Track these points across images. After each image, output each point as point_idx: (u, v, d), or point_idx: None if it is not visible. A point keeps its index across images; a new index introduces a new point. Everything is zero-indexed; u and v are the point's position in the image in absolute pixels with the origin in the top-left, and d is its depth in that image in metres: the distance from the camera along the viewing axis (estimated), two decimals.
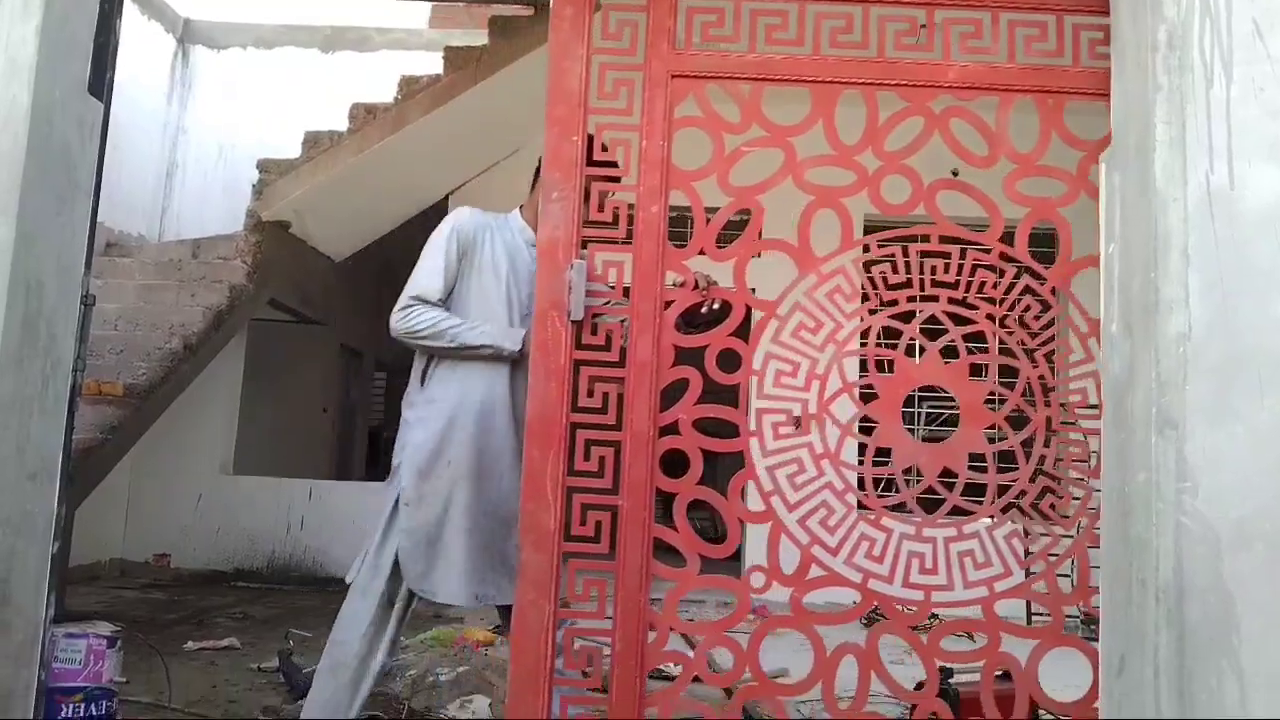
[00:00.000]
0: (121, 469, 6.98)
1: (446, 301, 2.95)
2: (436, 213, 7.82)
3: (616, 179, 2.54)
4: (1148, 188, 2.01)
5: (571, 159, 2.47)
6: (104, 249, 6.12)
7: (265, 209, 6.51)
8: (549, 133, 2.48)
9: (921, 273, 2.49)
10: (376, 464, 12.55)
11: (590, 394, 2.46)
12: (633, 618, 2.37)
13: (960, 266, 2.47)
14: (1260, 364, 1.89)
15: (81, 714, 3.08)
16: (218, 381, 7.52)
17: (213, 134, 8.04)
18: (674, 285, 2.53)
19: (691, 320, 2.66)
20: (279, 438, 9.01)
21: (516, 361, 2.90)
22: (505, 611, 2.89)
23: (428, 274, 2.94)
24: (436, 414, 2.90)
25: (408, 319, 2.91)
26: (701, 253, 2.50)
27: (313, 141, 6.65)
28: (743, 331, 2.48)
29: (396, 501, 2.90)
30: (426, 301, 2.91)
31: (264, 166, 6.64)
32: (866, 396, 2.49)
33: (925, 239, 2.48)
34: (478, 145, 7.68)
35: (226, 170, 7.90)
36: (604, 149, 2.52)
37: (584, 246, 2.48)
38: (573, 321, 2.43)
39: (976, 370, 2.48)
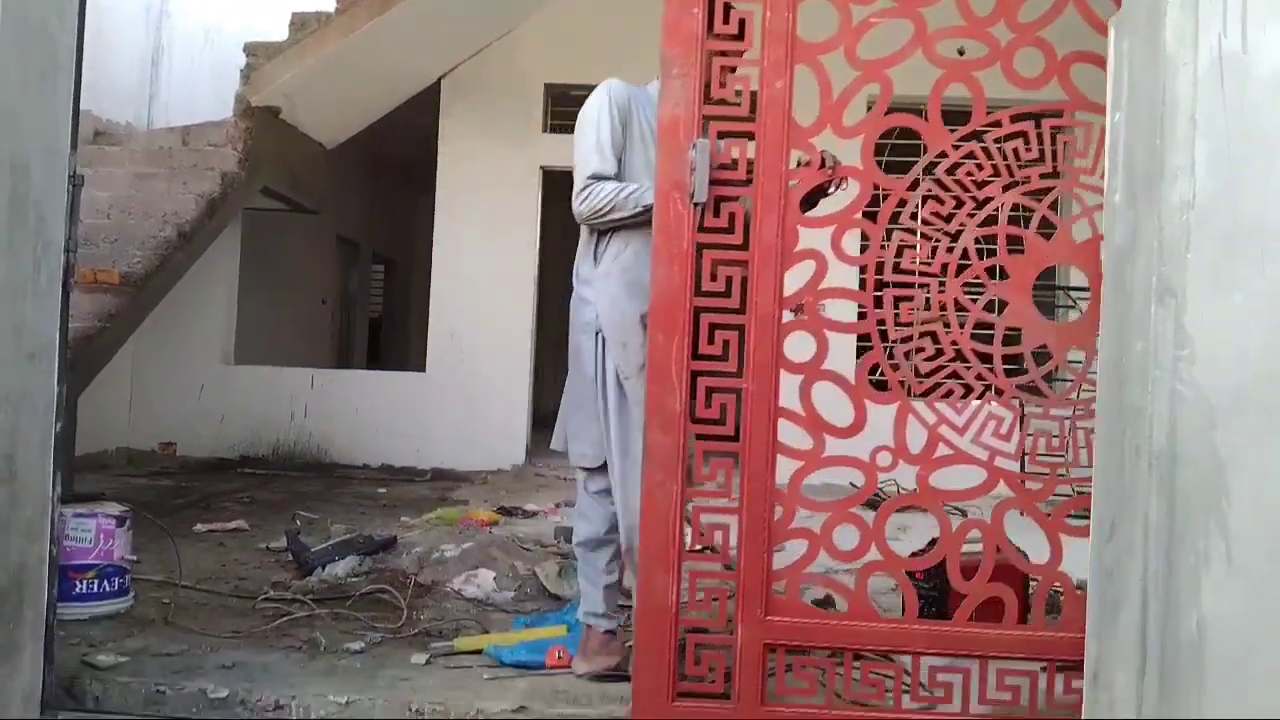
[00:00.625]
0: (123, 359, 7.01)
1: (618, 175, 2.85)
2: (429, 97, 7.68)
3: (739, 53, 2.46)
4: (1157, 53, 1.96)
5: (692, 33, 2.39)
6: (92, 137, 6.01)
7: (254, 94, 6.37)
8: (668, 5, 2.39)
9: (1054, 147, 2.43)
10: (378, 355, 12.62)
11: (714, 277, 2.44)
12: (759, 497, 2.41)
13: (1096, 143, 2.38)
14: (1263, 233, 1.86)
15: (95, 590, 3.17)
16: (215, 272, 7.50)
17: (198, 17, 7.80)
18: (799, 164, 2.48)
19: (814, 200, 2.62)
20: (279, 329, 9.04)
21: None
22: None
23: (595, 150, 2.84)
24: (616, 285, 2.83)
25: (589, 199, 2.82)
26: (829, 129, 2.44)
27: (300, 24, 6.47)
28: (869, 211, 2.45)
29: (617, 378, 2.82)
30: (603, 178, 2.82)
31: (251, 50, 6.48)
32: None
33: (1058, 114, 2.41)
34: (469, 26, 7.48)
35: (214, 54, 7.68)
36: (725, 22, 2.43)
37: (706, 125, 2.42)
38: (695, 204, 2.39)
39: None
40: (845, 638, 2.44)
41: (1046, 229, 2.44)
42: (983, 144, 2.45)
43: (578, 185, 2.85)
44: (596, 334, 2.86)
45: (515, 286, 7.66)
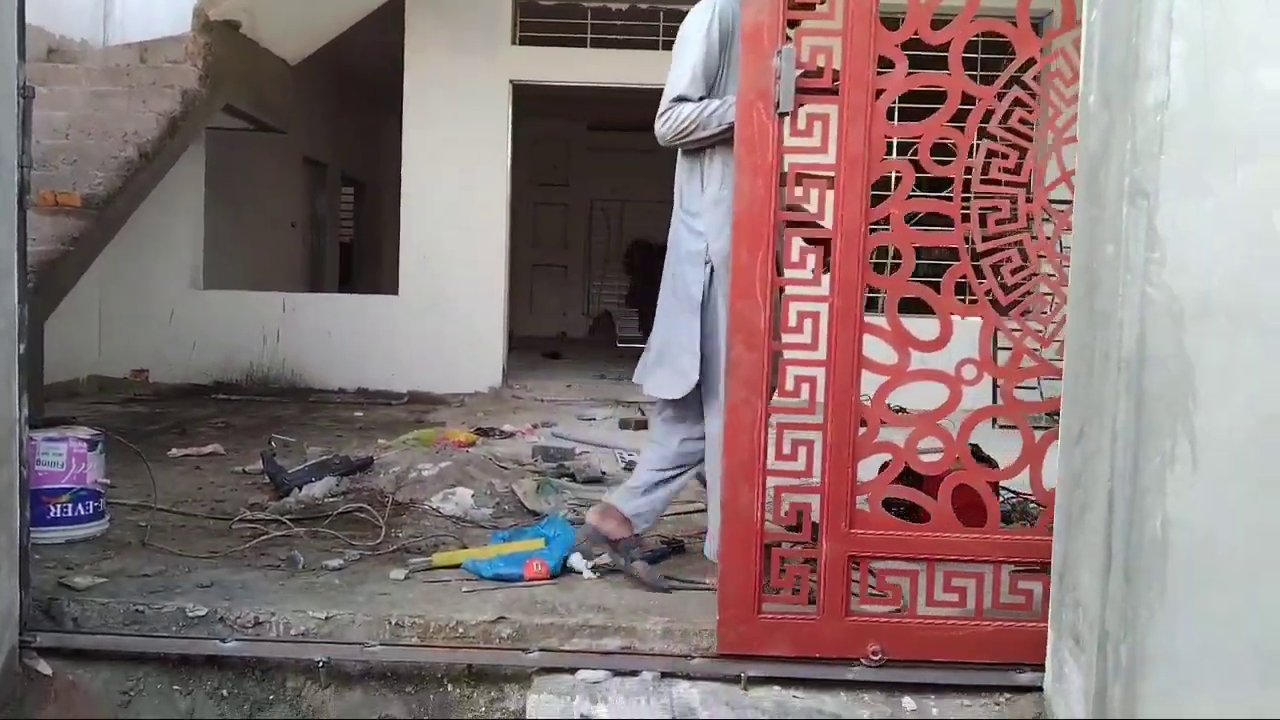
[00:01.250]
0: (90, 285, 6.90)
1: (709, 97, 2.80)
2: (394, 9, 7.46)
3: None
4: None
5: None
6: (45, 55, 5.80)
7: (212, 7, 6.15)
8: None
9: None
10: (350, 279, 12.50)
11: (799, 191, 2.39)
12: (844, 411, 2.41)
13: None
14: (1236, 135, 1.85)
15: (69, 514, 3.16)
16: (180, 195, 7.35)
17: None
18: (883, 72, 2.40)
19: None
20: (248, 252, 8.90)
21: None
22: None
23: (687, 72, 2.79)
24: (726, 212, 2.76)
25: (669, 122, 2.79)
26: (916, 35, 2.37)
27: None
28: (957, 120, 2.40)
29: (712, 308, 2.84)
30: (688, 100, 2.78)
31: None
32: None
33: None
34: None
35: None
36: None
37: (791, 30, 2.35)
38: (780, 114, 2.33)
39: None
40: (928, 549, 2.47)
41: None
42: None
43: (662, 106, 2.82)
44: (706, 263, 2.85)
45: (487, 205, 7.56)
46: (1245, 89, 1.84)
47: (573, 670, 2.49)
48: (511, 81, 7.53)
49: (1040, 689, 2.38)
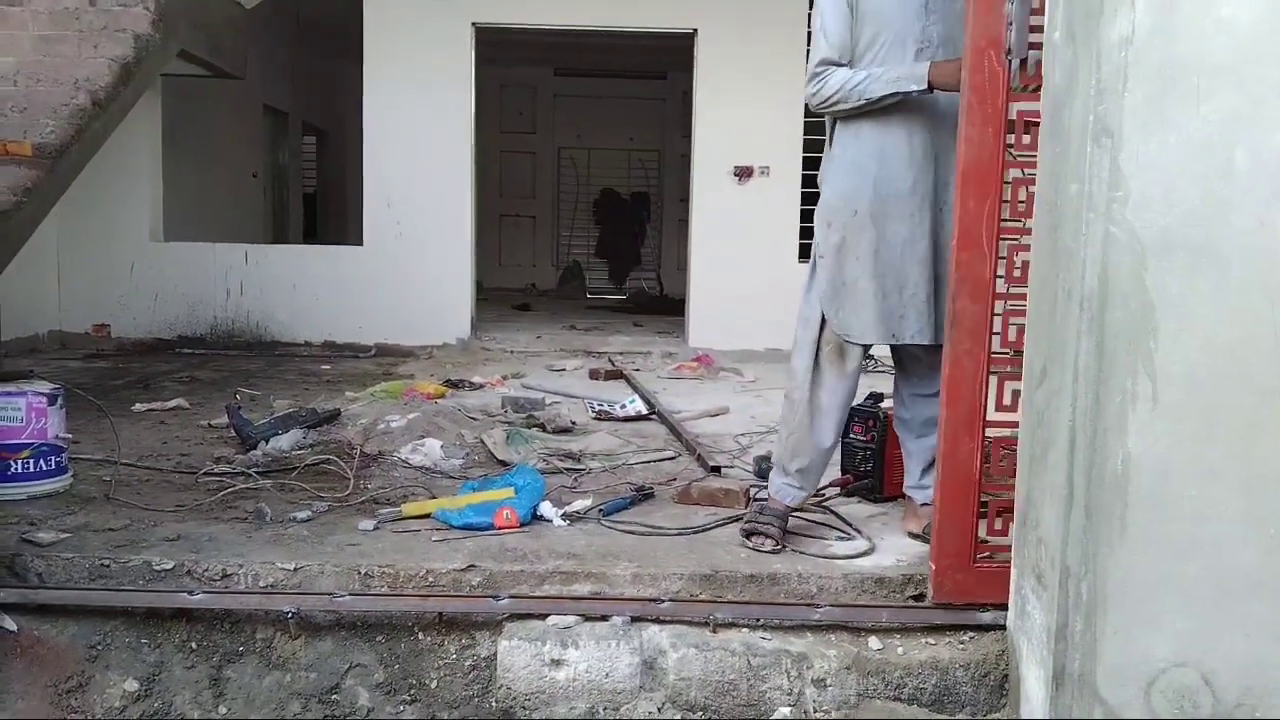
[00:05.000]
0: (47, 239, 6.76)
1: (855, 54, 2.76)
2: None
3: None
4: None
5: None
6: None
7: None
8: None
9: None
10: (314, 231, 12.32)
11: (1029, 139, 2.34)
12: None
13: None
14: (1199, 70, 1.84)
15: (31, 470, 3.12)
16: (137, 145, 7.19)
17: None
18: None
19: None
20: (208, 203, 8.75)
21: (923, 104, 2.72)
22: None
23: (826, 34, 2.76)
24: (838, 170, 2.81)
25: (819, 89, 2.77)
26: None
27: None
28: None
29: (815, 257, 2.87)
30: (834, 64, 2.75)
31: None
32: None
33: None
34: None
35: None
36: None
37: None
38: (1011, 60, 2.27)
39: None
40: None
41: None
42: None
43: (810, 69, 2.81)
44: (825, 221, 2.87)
45: (451, 153, 7.44)
46: (1208, 23, 1.83)
47: (543, 616, 2.50)
48: (474, 24, 7.38)
49: (1003, 627, 2.42)
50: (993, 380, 2.46)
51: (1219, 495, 1.87)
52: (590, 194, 13.08)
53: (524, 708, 2.41)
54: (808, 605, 2.54)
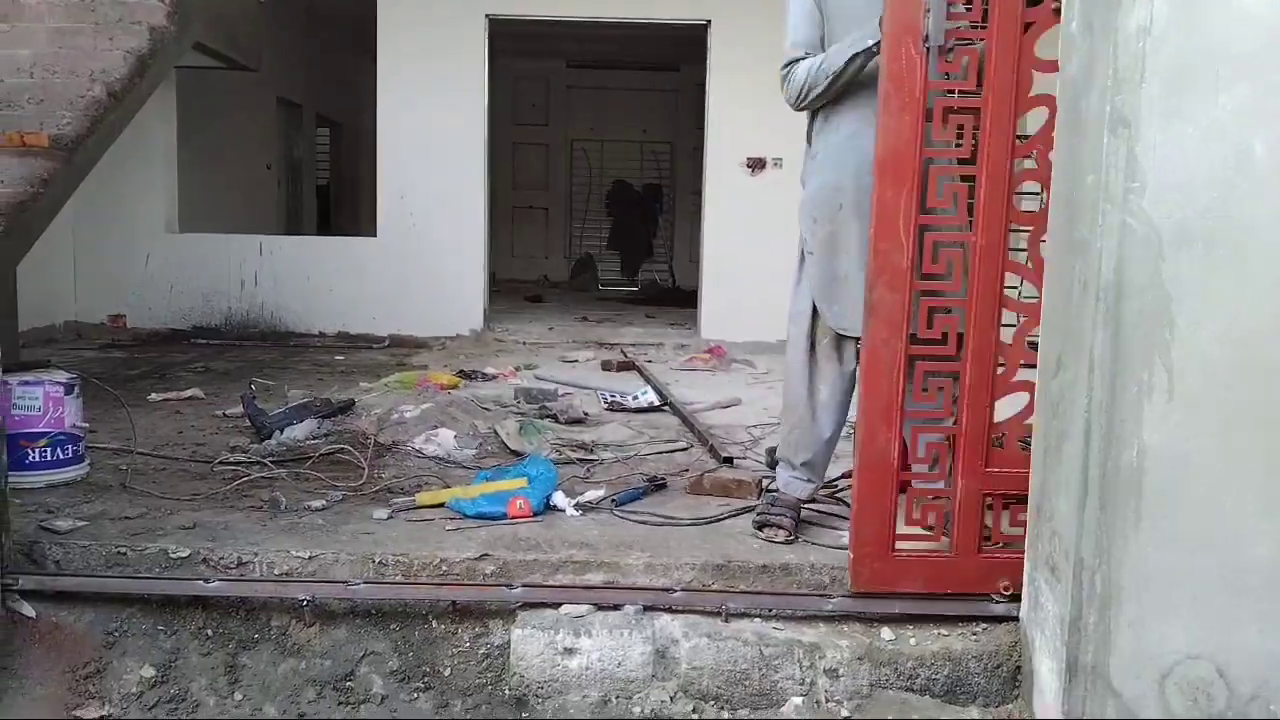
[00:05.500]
0: (64, 230, 6.79)
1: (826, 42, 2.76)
2: None
3: None
4: None
5: None
6: None
7: None
8: None
9: None
10: (328, 221, 12.36)
11: (946, 126, 2.35)
12: (985, 352, 2.38)
13: None
14: (1217, 60, 1.83)
15: (48, 458, 3.14)
16: (152, 137, 7.22)
17: None
18: (1034, 4, 2.33)
19: None
20: (223, 195, 8.78)
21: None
22: None
23: (791, 34, 2.78)
24: (819, 166, 2.81)
25: (789, 86, 2.77)
26: None
27: None
28: None
29: (803, 252, 2.87)
30: (799, 60, 2.75)
31: None
32: None
33: None
34: None
35: None
36: None
37: None
38: (928, 48, 2.27)
39: None
40: None
41: None
42: None
43: (781, 70, 2.81)
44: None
45: (466, 145, 7.45)
46: (1226, 13, 1.82)
47: (556, 605, 2.51)
48: (488, 16, 7.38)
49: (1017, 619, 2.42)
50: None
51: (1236, 488, 1.87)
52: (603, 186, 13.08)
53: (537, 696, 2.42)
54: (820, 595, 2.55)
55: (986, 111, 2.31)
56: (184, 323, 7.40)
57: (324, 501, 3.05)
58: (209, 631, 2.57)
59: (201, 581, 2.56)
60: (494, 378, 5.60)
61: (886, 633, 2.50)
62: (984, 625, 2.49)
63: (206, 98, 8.13)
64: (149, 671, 2.53)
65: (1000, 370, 2.41)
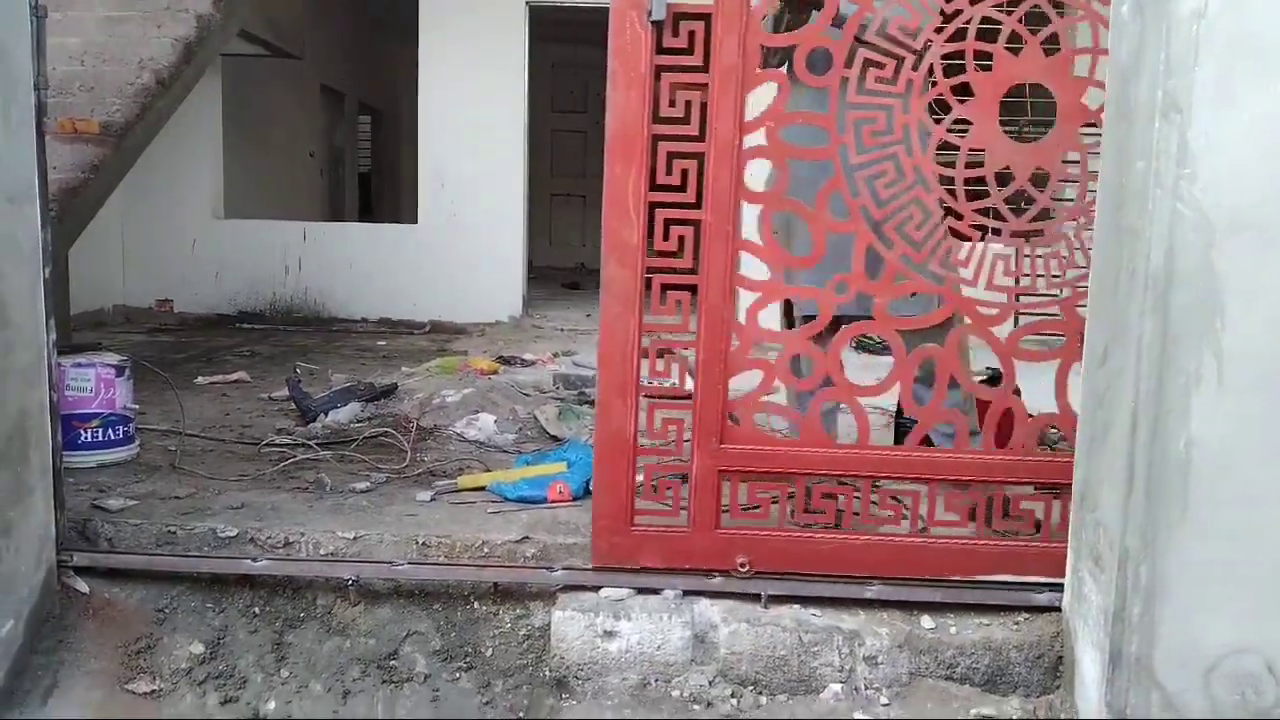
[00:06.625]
0: (113, 218, 6.92)
1: None
2: None
3: None
4: None
5: None
6: None
7: None
8: None
9: None
10: (369, 209, 12.46)
11: (673, 103, 2.35)
12: (716, 328, 2.41)
13: None
14: (1271, 44, 1.80)
15: (100, 439, 3.22)
16: (198, 125, 7.32)
17: None
18: None
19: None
20: (267, 182, 8.88)
21: None
22: None
23: None
24: None
25: None
26: None
27: None
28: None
29: None
30: None
31: None
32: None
33: None
34: None
35: None
36: None
37: None
38: (653, 22, 2.28)
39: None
40: (797, 463, 2.50)
41: (1016, 44, 2.36)
42: None
43: None
44: None
45: (506, 133, 7.48)
46: None
47: (596, 588, 2.53)
48: (528, 4, 7.39)
49: (1059, 609, 2.40)
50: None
51: None
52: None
53: (577, 677, 2.44)
54: (859, 582, 2.54)
55: (713, 87, 2.31)
56: (230, 308, 7.52)
57: (368, 483, 3.10)
58: (256, 610, 2.62)
59: (249, 560, 2.61)
60: (532, 363, 5.63)
61: (927, 621, 2.49)
62: (1025, 615, 2.48)
63: (251, 85, 8.23)
64: (198, 648, 2.58)
65: (734, 347, 2.42)
